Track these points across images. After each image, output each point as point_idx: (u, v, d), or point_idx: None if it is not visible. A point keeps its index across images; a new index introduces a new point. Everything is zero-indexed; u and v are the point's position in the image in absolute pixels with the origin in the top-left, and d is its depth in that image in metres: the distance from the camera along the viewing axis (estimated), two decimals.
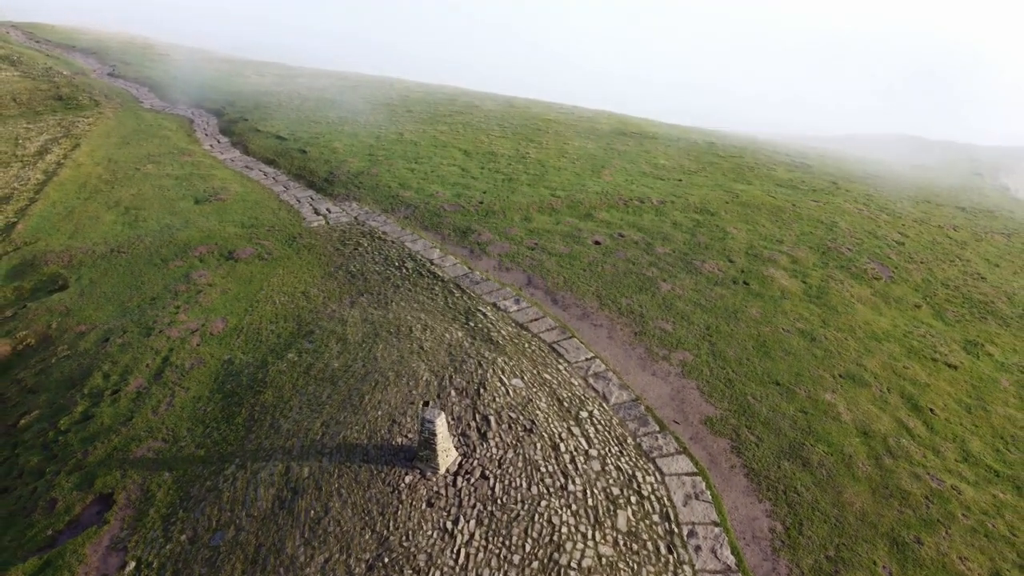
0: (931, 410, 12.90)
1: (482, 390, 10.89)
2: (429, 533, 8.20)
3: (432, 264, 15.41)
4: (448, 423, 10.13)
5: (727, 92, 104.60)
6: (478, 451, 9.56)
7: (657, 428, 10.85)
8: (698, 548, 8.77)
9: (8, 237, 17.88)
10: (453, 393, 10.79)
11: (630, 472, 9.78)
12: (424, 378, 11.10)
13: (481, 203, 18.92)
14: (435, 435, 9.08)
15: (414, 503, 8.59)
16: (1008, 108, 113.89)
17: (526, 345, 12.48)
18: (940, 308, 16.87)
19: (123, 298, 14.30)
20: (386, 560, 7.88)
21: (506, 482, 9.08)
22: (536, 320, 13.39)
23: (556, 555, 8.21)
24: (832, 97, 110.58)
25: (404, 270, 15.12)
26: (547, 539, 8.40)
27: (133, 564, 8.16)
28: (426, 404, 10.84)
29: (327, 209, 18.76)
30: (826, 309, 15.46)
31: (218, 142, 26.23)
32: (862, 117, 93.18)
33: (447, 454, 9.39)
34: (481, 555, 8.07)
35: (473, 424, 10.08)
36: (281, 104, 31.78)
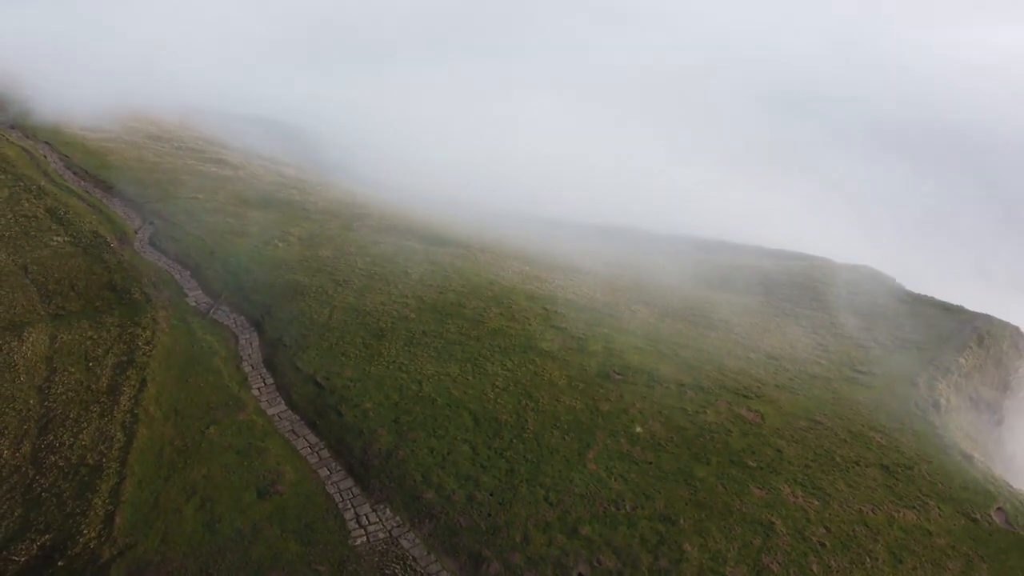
0: None
1: None
2: None
3: None
4: None
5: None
6: None
7: None
8: None
9: (111, 535, 22.30)
10: None
11: None
12: None
13: (489, 515, 23.77)
14: None
15: None
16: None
17: None
18: None
19: None
20: None
21: None
22: None
23: None
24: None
25: None
26: None
27: None
28: None
29: (366, 518, 23.47)
30: None
31: (265, 384, 31.02)
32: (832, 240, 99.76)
33: None
34: None
35: None
36: (312, 318, 36.64)
